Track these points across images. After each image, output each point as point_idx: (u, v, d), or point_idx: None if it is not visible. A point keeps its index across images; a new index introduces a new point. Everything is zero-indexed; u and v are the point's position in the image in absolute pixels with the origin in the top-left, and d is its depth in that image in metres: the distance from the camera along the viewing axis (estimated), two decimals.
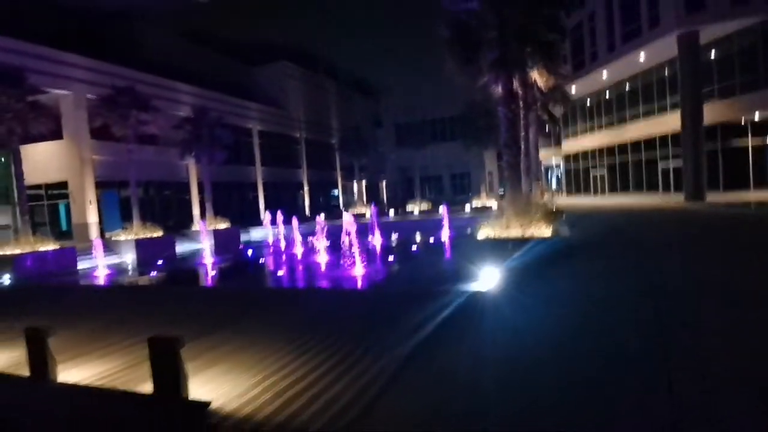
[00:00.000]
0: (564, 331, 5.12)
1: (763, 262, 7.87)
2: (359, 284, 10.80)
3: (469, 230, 15.62)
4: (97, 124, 20.63)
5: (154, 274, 15.57)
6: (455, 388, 3.92)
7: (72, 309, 8.65)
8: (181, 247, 22.31)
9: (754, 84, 20.62)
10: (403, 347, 4.82)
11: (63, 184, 22.20)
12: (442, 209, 22.03)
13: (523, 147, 14.74)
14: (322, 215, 19.09)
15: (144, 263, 18.38)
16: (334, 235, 14.81)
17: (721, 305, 5.50)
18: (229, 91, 32.75)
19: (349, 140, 39.97)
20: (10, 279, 13.05)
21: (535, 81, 14.96)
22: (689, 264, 8.23)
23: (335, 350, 4.90)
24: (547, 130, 35.42)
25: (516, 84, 11.70)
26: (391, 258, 15.15)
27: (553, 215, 13.91)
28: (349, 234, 12.28)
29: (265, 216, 25.65)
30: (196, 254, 20.94)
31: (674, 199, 23.22)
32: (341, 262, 12.47)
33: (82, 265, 17.01)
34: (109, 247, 19.08)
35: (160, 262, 18.19)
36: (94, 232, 21.71)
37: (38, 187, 22.08)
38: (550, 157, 42.48)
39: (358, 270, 11.60)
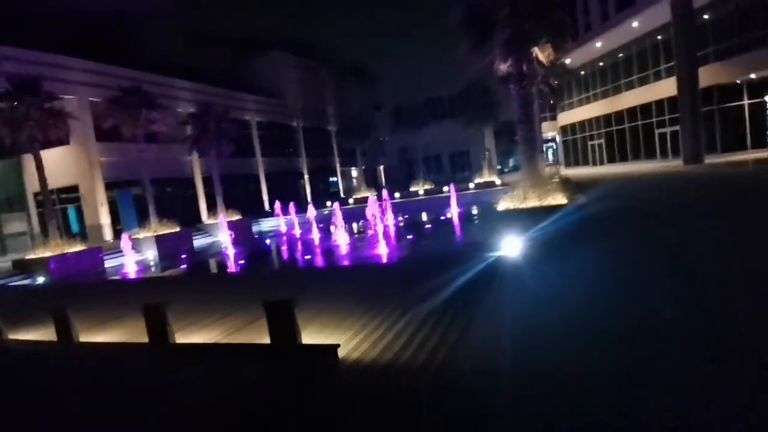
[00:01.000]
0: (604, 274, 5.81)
1: None
2: (407, 257, 11.39)
3: (484, 204, 16.26)
4: (106, 126, 20.88)
5: (184, 266, 16.13)
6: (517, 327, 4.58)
7: (144, 297, 9.18)
8: (198, 241, 22.85)
9: (749, 44, 20.99)
10: (469, 305, 5.46)
11: (73, 188, 22.61)
12: (447, 187, 22.48)
13: None
14: (336, 203, 19.60)
15: (166, 258, 18.94)
16: (350, 219, 15.38)
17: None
18: (225, 83, 32.85)
19: (349, 125, 40.11)
20: (48, 279, 13.57)
21: (536, 56, 15.38)
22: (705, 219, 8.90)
23: (401, 311, 5.48)
24: (541, 104, 35.74)
25: (525, 62, 12.16)
26: (428, 229, 15.93)
27: (565, 184, 14.55)
28: (374, 216, 12.84)
29: (275, 206, 26.13)
30: (213, 246, 21.50)
31: (673, 164, 23.83)
32: (374, 241, 12.89)
33: (108, 263, 17.57)
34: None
35: (183, 255, 18.75)
36: (107, 233, 22.17)
37: (50, 192, 22.36)
38: (546, 132, 42.87)
39: (402, 245, 12.15)
